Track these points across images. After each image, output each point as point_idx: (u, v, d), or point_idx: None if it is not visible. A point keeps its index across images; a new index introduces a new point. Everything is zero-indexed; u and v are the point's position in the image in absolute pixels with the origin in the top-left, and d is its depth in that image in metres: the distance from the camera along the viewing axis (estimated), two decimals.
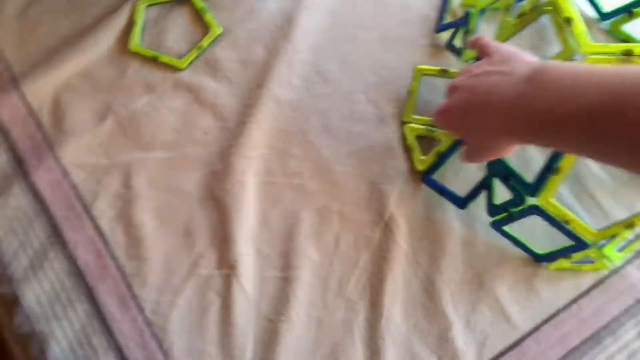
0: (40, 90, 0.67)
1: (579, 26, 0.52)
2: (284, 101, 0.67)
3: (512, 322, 0.57)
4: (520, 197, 0.54)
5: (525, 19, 0.61)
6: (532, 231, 0.58)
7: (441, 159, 0.61)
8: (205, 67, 0.69)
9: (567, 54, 0.57)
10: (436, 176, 0.62)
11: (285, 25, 0.71)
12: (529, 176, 0.54)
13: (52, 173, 0.63)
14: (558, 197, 0.60)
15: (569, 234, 0.53)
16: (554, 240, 0.56)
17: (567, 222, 0.53)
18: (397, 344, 0.55)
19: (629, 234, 0.53)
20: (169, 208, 0.61)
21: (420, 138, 0.64)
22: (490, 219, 0.58)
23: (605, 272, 0.59)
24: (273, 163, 0.64)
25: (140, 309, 0.56)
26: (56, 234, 0.59)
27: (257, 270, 0.58)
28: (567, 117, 0.38)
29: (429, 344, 0.56)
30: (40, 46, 0.70)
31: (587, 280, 0.58)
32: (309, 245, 0.59)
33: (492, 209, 0.58)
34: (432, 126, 0.63)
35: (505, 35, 0.62)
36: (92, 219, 0.60)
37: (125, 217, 0.61)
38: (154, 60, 0.69)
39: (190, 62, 0.69)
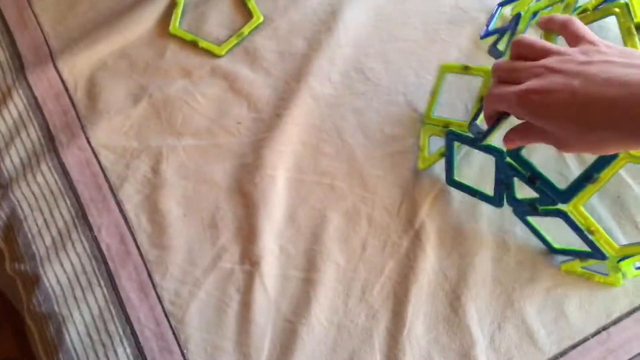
0: (76, 67, 0.67)
1: None
2: (321, 97, 0.65)
3: (538, 345, 0.55)
4: (550, 199, 0.52)
5: (586, 18, 0.56)
6: (551, 222, 0.56)
7: (447, 156, 0.59)
8: (243, 56, 0.68)
9: None
10: (467, 179, 0.60)
11: (329, 19, 0.70)
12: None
13: (82, 153, 0.62)
14: (591, 209, 0.58)
15: (591, 244, 0.52)
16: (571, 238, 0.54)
17: (591, 232, 0.51)
18: (417, 357, 0.54)
19: None
20: (196, 198, 0.61)
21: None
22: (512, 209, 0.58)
23: (639, 301, 0.56)
24: (304, 160, 0.63)
25: (159, 298, 0.56)
26: (81, 215, 0.59)
27: (279, 269, 0.57)
28: None
29: (450, 359, 0.54)
30: (79, 22, 0.70)
31: (619, 307, 0.56)
32: (334, 248, 0.58)
33: (514, 203, 0.56)
34: (446, 127, 0.60)
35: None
36: (118, 203, 0.60)
37: (151, 203, 0.60)
38: (192, 45, 0.68)
39: (229, 49, 0.68)
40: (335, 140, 0.63)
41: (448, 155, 0.59)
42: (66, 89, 0.66)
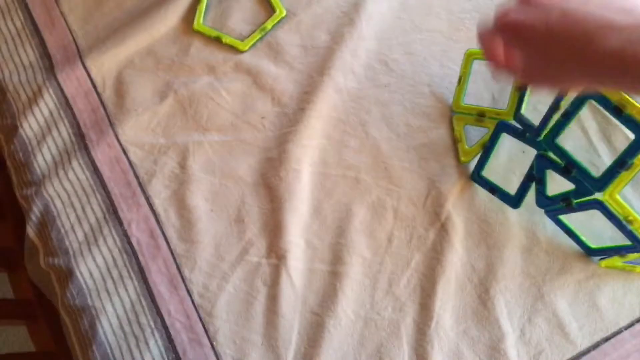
0: (104, 66, 0.68)
1: None
2: (344, 90, 0.65)
3: (569, 338, 0.54)
4: (586, 189, 0.51)
5: None
6: (586, 221, 0.55)
7: (486, 151, 0.58)
8: (266, 50, 0.68)
9: None
10: (490, 174, 0.59)
11: (351, 11, 0.69)
12: None
13: (112, 150, 0.63)
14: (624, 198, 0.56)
15: (630, 234, 0.51)
16: (607, 234, 0.54)
17: (630, 222, 0.51)
18: (445, 350, 0.54)
19: None
20: (222, 192, 0.61)
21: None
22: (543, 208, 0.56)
23: None
24: (329, 153, 0.63)
25: (189, 292, 0.57)
26: (112, 211, 0.60)
27: (305, 262, 0.58)
28: None
29: (479, 352, 0.54)
30: (105, 21, 0.71)
31: None
32: (360, 241, 0.58)
33: (544, 201, 0.55)
34: (481, 115, 0.60)
35: None
36: (147, 198, 0.61)
37: (179, 198, 0.61)
38: (216, 41, 0.69)
39: (253, 44, 0.68)
40: (359, 133, 0.63)
41: (489, 146, 0.58)
42: (95, 87, 0.67)
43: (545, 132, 0.53)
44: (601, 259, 0.56)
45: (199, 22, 0.70)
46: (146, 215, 0.60)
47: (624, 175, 0.49)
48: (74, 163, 0.63)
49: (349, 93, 0.65)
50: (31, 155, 0.64)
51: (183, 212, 0.60)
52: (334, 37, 0.68)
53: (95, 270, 0.58)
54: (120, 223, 0.60)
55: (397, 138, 0.63)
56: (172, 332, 0.55)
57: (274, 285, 0.56)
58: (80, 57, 0.69)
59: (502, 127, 0.57)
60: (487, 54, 0.46)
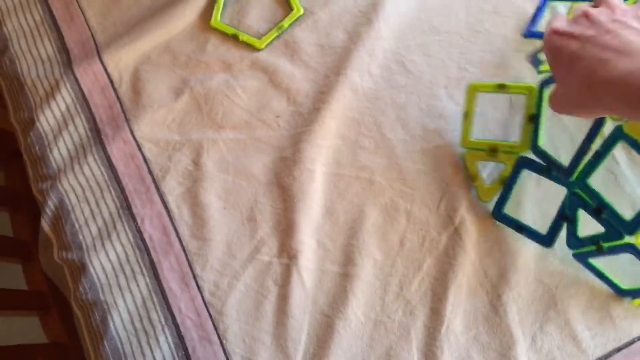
0: (121, 61, 0.68)
1: None
2: (360, 90, 0.65)
3: (581, 347, 0.53)
4: (617, 233, 0.49)
5: None
6: (614, 260, 0.53)
7: (508, 186, 0.56)
8: (283, 49, 0.68)
9: None
10: (512, 209, 0.57)
11: (369, 10, 0.69)
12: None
13: (127, 146, 0.64)
14: None
15: None
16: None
17: None
18: (455, 356, 0.53)
19: None
20: (235, 191, 0.61)
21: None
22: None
23: None
24: (343, 154, 0.62)
25: (200, 289, 0.57)
26: (125, 206, 0.61)
27: (316, 263, 0.58)
28: None
29: (489, 359, 0.53)
30: (124, 17, 0.71)
31: None
32: (372, 243, 0.58)
33: (575, 242, 0.53)
34: (494, 150, 0.58)
35: None
36: (161, 195, 0.61)
37: (193, 195, 0.61)
38: (233, 38, 0.69)
39: (269, 43, 0.68)
40: (374, 134, 0.63)
41: (510, 184, 0.56)
42: (111, 83, 0.68)
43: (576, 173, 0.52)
44: (634, 298, 0.54)
45: (216, 19, 0.70)
46: (159, 212, 0.60)
47: None
48: (89, 158, 0.63)
49: (365, 93, 0.65)
50: (47, 149, 0.64)
51: (196, 209, 0.60)
52: (351, 37, 0.67)
53: (107, 265, 0.58)
54: (134, 219, 0.60)
55: (412, 140, 0.62)
56: (182, 329, 0.56)
57: (284, 285, 0.56)
58: (98, 52, 0.69)
59: (523, 164, 0.55)
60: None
